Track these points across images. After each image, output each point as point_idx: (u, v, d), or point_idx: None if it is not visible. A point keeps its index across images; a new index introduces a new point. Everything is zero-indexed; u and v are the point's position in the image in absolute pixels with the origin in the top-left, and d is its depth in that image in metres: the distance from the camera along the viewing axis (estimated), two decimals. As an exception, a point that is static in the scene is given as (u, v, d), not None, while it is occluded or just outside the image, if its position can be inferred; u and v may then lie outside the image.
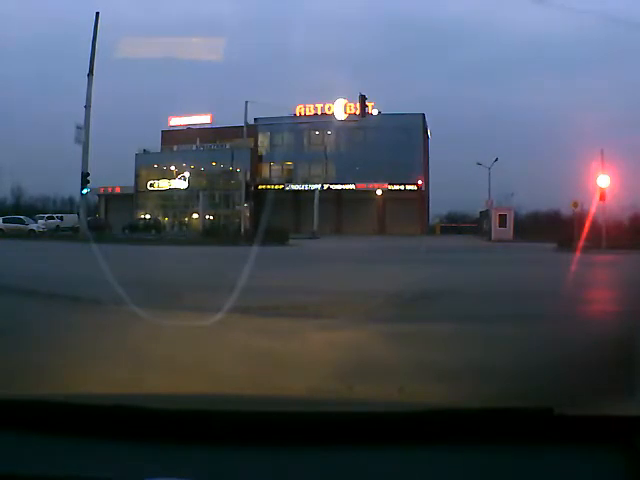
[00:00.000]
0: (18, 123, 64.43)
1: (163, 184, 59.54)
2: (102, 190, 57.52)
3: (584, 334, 5.77)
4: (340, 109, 39.19)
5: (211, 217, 55.07)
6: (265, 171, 60.10)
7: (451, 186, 57.08)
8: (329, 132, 55.97)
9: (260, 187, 53.91)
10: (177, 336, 5.45)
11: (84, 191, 31.09)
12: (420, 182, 55.52)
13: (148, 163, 60.46)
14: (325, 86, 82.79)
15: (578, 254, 18.56)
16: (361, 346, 5.36)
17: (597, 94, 76.81)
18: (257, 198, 46.12)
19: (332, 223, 52.20)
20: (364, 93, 31.36)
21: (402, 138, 53.94)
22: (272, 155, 59.02)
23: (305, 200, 52.89)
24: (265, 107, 46.34)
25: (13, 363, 4.14)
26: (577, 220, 29.46)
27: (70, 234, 36.00)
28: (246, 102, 37.66)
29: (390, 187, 54.62)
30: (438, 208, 63.91)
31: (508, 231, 41.02)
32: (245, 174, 46.96)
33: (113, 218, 53.97)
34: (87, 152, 30.17)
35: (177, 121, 60.03)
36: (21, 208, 54.51)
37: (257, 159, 59.04)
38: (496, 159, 48.90)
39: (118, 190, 60.63)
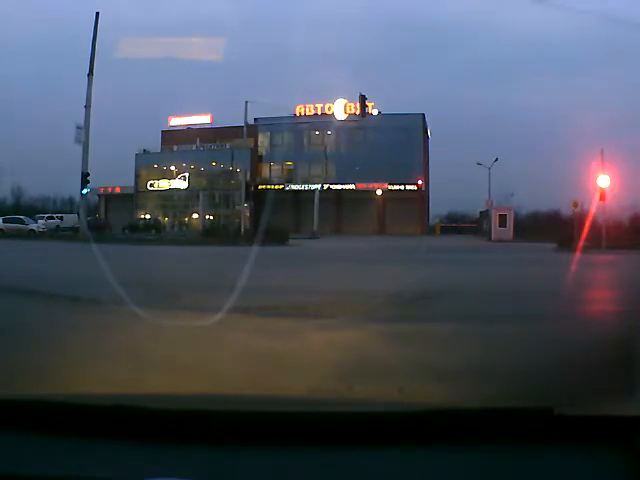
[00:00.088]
0: (18, 123, 64.55)
1: (163, 184, 59.54)
2: (102, 190, 57.53)
3: (584, 334, 5.77)
4: (340, 109, 39.17)
5: (211, 217, 55.08)
6: (265, 171, 60.11)
7: (451, 186, 57.18)
8: (329, 132, 55.97)
9: (260, 187, 53.92)
10: (177, 336, 5.45)
11: (84, 191, 31.09)
12: (420, 182, 55.52)
13: (148, 163, 60.46)
14: (325, 86, 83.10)
15: (578, 254, 18.56)
16: (361, 346, 5.36)
17: (597, 94, 76.91)
18: (257, 198, 46.13)
19: (332, 223, 52.20)
20: (364, 93, 31.39)
21: (402, 138, 53.95)
22: (272, 155, 59.03)
23: (305, 200, 52.89)
24: (265, 107, 46.42)
25: (13, 363, 4.14)
26: (577, 220, 29.45)
27: (70, 234, 36.00)
28: (246, 102, 37.71)
29: (390, 187, 54.62)
30: (438, 208, 64.03)
31: (508, 231, 41.03)
32: (245, 174, 46.96)
33: (113, 218, 53.97)
34: (87, 152, 30.19)
35: (177, 121, 60.04)
36: (21, 208, 54.50)
37: (257, 159, 59.05)
38: (496, 159, 48.98)
39: (118, 190, 60.63)
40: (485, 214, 46.72)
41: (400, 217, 53.78)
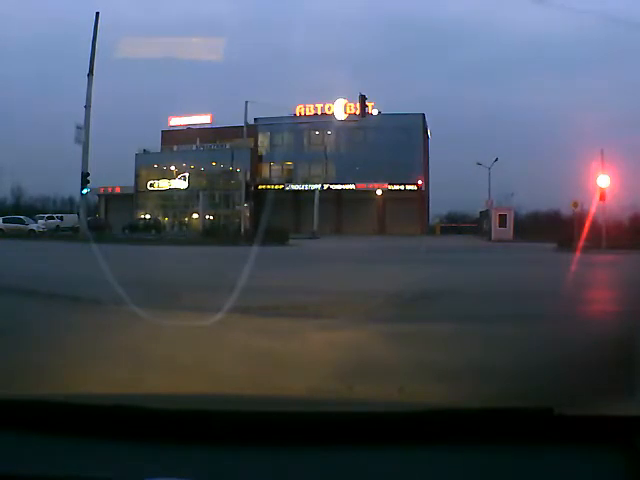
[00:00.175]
0: (18, 123, 64.54)
1: (163, 184, 59.55)
2: (102, 190, 57.53)
3: (584, 334, 5.77)
4: (340, 109, 39.18)
5: (211, 217, 55.09)
6: (265, 171, 60.11)
7: (451, 186, 57.18)
8: (329, 132, 55.97)
9: (260, 187, 53.92)
10: (177, 336, 5.45)
11: (84, 191, 31.09)
12: (420, 182, 55.52)
13: (148, 163, 60.46)
14: (325, 86, 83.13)
15: (578, 254, 18.56)
16: (361, 346, 5.36)
17: (597, 94, 76.91)
18: (257, 198, 46.13)
19: (332, 223, 52.21)
20: (364, 93, 31.39)
21: (402, 138, 53.95)
22: (272, 155, 59.03)
23: (305, 200, 52.90)
24: (265, 107, 46.42)
25: (13, 363, 4.14)
26: (577, 220, 29.45)
27: (70, 234, 36.00)
28: (246, 102, 37.72)
29: (390, 187, 54.63)
30: (438, 208, 64.02)
31: (508, 231, 41.03)
32: (245, 174, 46.97)
33: (113, 218, 53.97)
34: (87, 152, 30.20)
35: (177, 121, 60.04)
36: (21, 208, 54.50)
37: (257, 159, 59.05)
38: (496, 159, 48.98)
39: (118, 190, 60.64)
40: (485, 214, 46.72)
41: (400, 217, 53.78)
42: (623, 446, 1.32)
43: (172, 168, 58.95)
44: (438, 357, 4.70)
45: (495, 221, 42.12)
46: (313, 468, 1.30)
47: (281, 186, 56.32)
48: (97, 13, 30.68)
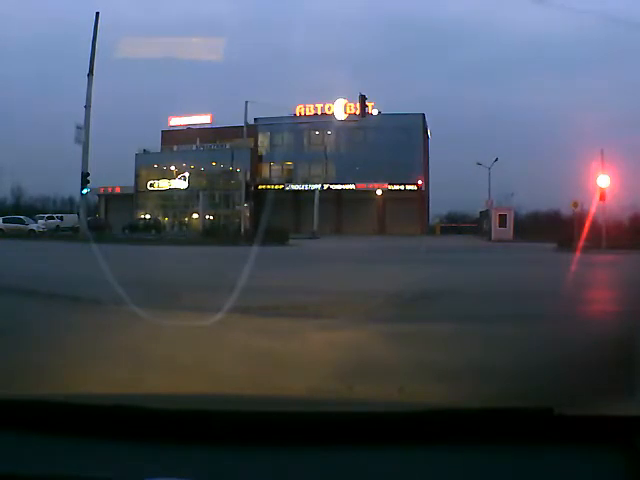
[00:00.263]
0: (18, 123, 64.54)
1: (163, 184, 59.55)
2: (102, 190, 57.53)
3: (584, 334, 5.77)
4: (340, 109, 39.19)
5: (211, 217, 55.08)
6: (265, 171, 60.10)
7: (451, 186, 57.17)
8: (329, 132, 55.97)
9: (260, 187, 53.92)
10: (177, 336, 5.45)
11: (84, 191, 31.10)
12: (420, 182, 55.52)
13: (148, 163, 60.46)
14: (325, 86, 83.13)
15: (578, 254, 18.56)
16: (361, 346, 5.36)
17: (597, 94, 76.92)
18: (257, 198, 46.13)
19: (332, 223, 52.21)
20: (364, 93, 31.41)
21: (402, 138, 53.94)
22: (272, 155, 59.03)
23: (305, 200, 52.90)
24: (265, 107, 46.43)
25: (13, 363, 4.14)
26: (577, 220, 29.45)
27: (70, 234, 36.00)
28: (246, 102, 37.72)
29: (390, 187, 54.63)
30: (438, 208, 64.02)
31: (508, 231, 41.03)
32: (245, 174, 46.97)
33: (113, 218, 53.97)
34: (87, 152, 30.20)
35: (177, 121, 60.04)
36: (21, 208, 54.50)
37: (257, 159, 59.04)
38: (496, 159, 48.98)
39: (118, 190, 60.63)
40: (485, 214, 46.72)
41: (400, 217, 53.77)
42: (623, 446, 1.32)
43: (172, 168, 58.94)
44: (438, 357, 4.70)
45: (495, 221, 42.12)
46: (313, 468, 1.30)
47: (281, 186, 56.32)
48: (97, 13, 30.73)
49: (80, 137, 30.20)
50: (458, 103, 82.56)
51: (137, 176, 60.35)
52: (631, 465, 1.27)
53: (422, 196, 57.07)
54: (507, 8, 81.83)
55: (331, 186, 55.17)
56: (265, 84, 68.72)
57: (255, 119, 53.94)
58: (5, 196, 62.71)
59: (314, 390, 3.69)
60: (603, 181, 30.66)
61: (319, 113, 55.68)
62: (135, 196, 59.78)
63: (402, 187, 54.90)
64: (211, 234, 35.21)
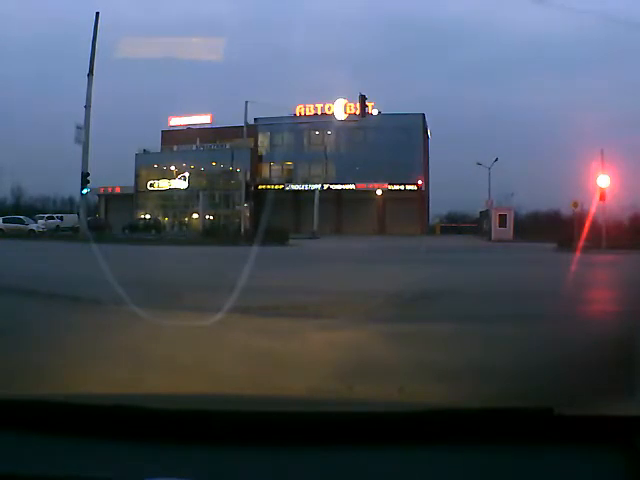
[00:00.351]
0: (18, 123, 64.54)
1: (163, 184, 59.54)
2: (102, 190, 57.53)
3: (584, 334, 5.77)
4: (340, 109, 39.20)
5: (211, 217, 55.08)
6: (265, 171, 60.10)
7: (451, 186, 57.17)
8: (329, 132, 55.97)
9: (260, 187, 53.92)
10: (177, 336, 5.45)
11: (84, 191, 31.10)
12: (420, 182, 55.52)
13: (148, 163, 60.46)
14: (325, 86, 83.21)
15: (578, 254, 18.56)
16: (361, 346, 5.36)
17: (597, 94, 76.95)
18: (257, 198, 46.13)
19: (332, 223, 52.20)
20: (364, 93, 31.41)
21: (402, 138, 53.94)
22: (272, 155, 59.03)
23: (305, 200, 52.89)
24: (265, 107, 46.44)
25: (13, 363, 4.14)
26: (577, 220, 29.45)
27: (70, 234, 36.00)
28: (246, 102, 37.72)
29: (390, 187, 54.62)
30: (438, 208, 64.04)
31: (508, 231, 41.03)
32: (245, 174, 46.97)
33: (113, 218, 53.97)
34: (87, 152, 30.20)
35: (177, 121, 60.04)
36: (21, 208, 54.51)
37: (257, 159, 59.04)
38: (496, 159, 48.98)
39: (118, 190, 60.64)
40: (485, 214, 46.72)
41: (400, 217, 53.77)
42: (623, 446, 1.32)
43: (172, 168, 58.94)
44: (438, 357, 4.70)
45: (495, 221, 42.12)
46: (313, 468, 1.30)
47: (281, 186, 56.31)
48: (97, 13, 30.74)
49: (80, 137, 30.20)
50: (458, 103, 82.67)
51: (137, 176, 60.34)
52: (631, 465, 1.27)
53: (422, 196, 57.06)
54: (507, 8, 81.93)
55: (331, 186, 55.16)
56: (265, 84, 68.84)
57: (255, 119, 53.95)
58: (5, 196, 62.83)
59: (314, 390, 3.69)
60: (603, 181, 30.67)
61: (319, 113, 55.68)
62: (135, 196, 59.78)
63: (402, 187, 54.90)
64: (211, 234, 35.21)
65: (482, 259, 20.89)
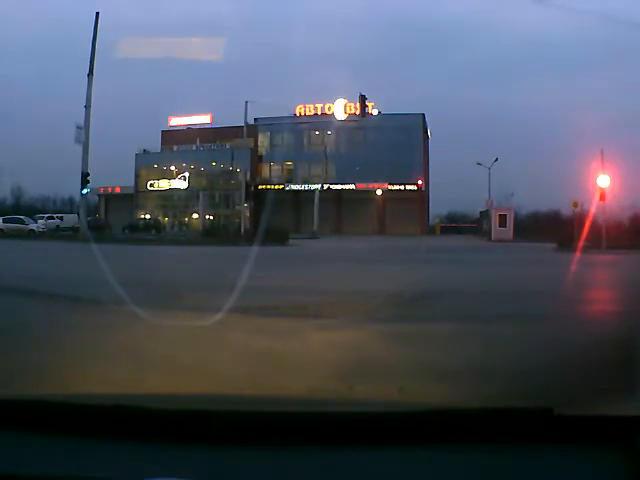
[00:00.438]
0: (18, 123, 64.55)
1: (163, 184, 59.54)
2: (102, 190, 57.53)
3: (584, 334, 5.77)
4: (340, 109, 39.19)
5: (211, 217, 55.08)
6: (265, 171, 60.10)
7: (451, 186, 57.17)
8: (329, 132, 55.96)
9: (260, 187, 53.91)
10: (177, 336, 5.45)
11: (84, 191, 31.10)
12: (420, 182, 55.52)
13: (148, 163, 60.46)
14: (325, 86, 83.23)
15: (578, 254, 18.56)
16: (361, 346, 5.36)
17: (597, 94, 76.95)
18: (257, 198, 46.13)
19: (332, 223, 52.20)
20: (364, 93, 31.40)
21: (402, 138, 53.94)
22: (272, 155, 59.02)
23: (305, 200, 52.89)
24: (265, 107, 46.44)
25: (13, 363, 4.14)
26: (577, 220, 29.45)
27: (70, 234, 36.00)
28: (246, 102, 37.72)
29: (390, 187, 54.62)
30: (438, 208, 64.04)
31: (508, 231, 41.03)
32: (245, 174, 46.97)
33: (113, 218, 53.97)
34: (87, 152, 30.20)
35: (177, 121, 60.04)
36: (21, 208, 54.50)
37: (257, 159, 59.04)
38: (496, 159, 48.99)
39: (118, 190, 60.63)
40: (485, 214, 46.72)
41: (400, 217, 53.77)
42: (623, 446, 1.32)
43: (172, 168, 58.94)
44: (438, 357, 4.70)
45: (495, 221, 42.12)
46: (313, 468, 1.30)
47: (281, 186, 56.31)
48: (97, 13, 30.73)
49: (80, 137, 30.20)
50: (458, 103, 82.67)
51: (137, 176, 60.34)
52: (631, 465, 1.27)
53: (422, 196, 57.06)
54: (507, 8, 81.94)
55: (331, 186, 55.15)
56: (265, 84, 68.84)
57: (255, 119, 53.95)
58: (5, 196, 62.81)
59: (314, 390, 3.69)
60: (603, 181, 30.67)
61: (319, 113, 55.68)
62: (135, 196, 59.77)
63: (402, 187, 54.90)
64: (211, 234, 35.21)
65: (482, 259, 20.89)
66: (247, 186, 44.59)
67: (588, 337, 5.56)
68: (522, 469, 1.29)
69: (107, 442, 1.36)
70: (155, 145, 61.20)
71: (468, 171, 79.27)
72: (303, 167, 58.81)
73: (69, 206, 58.56)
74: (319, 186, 52.21)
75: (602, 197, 30.28)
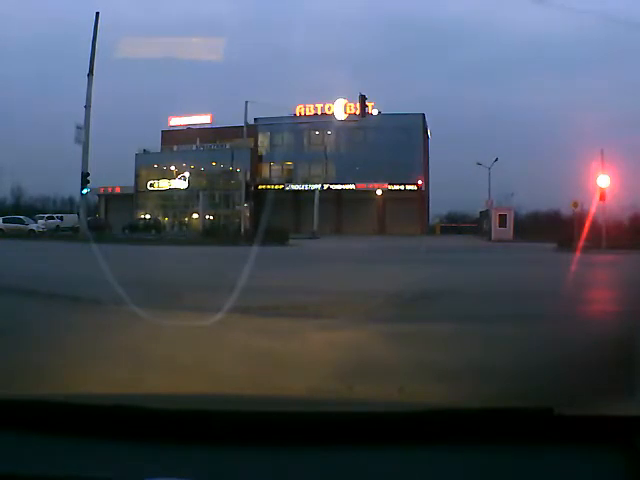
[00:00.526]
0: (18, 123, 64.55)
1: (163, 184, 59.54)
2: (102, 190, 57.52)
3: (584, 334, 5.77)
4: (340, 109, 39.19)
5: (211, 217, 55.07)
6: (265, 171, 60.10)
7: (451, 186, 57.18)
8: (329, 132, 55.96)
9: (260, 187, 53.91)
10: (177, 336, 5.45)
11: (84, 191, 31.10)
12: (420, 182, 55.52)
13: (148, 163, 60.46)
14: (325, 86, 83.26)
15: (578, 254, 18.56)
16: (361, 346, 5.36)
17: (597, 94, 76.97)
18: (257, 198, 46.13)
19: (332, 223, 52.20)
20: (364, 93, 31.40)
21: (402, 138, 53.94)
22: (272, 155, 59.03)
23: (305, 200, 52.89)
24: (265, 107, 46.44)
25: (13, 363, 4.14)
26: (577, 220, 29.45)
27: (70, 234, 35.99)
28: (246, 102, 37.72)
29: (390, 187, 54.62)
30: (438, 208, 64.04)
31: (508, 231, 41.03)
32: (245, 174, 46.96)
33: (113, 218, 53.96)
34: (87, 152, 30.20)
35: (177, 121, 60.04)
36: (21, 208, 54.50)
37: (257, 159, 59.04)
38: (496, 159, 48.99)
39: (118, 190, 60.63)
40: (485, 214, 46.72)
41: (400, 217, 53.77)
42: (623, 446, 1.32)
43: (172, 168, 58.94)
44: (438, 357, 4.70)
45: (495, 221, 42.12)
46: (313, 468, 1.30)
47: (281, 186, 56.31)
48: (97, 13, 30.73)
49: (80, 137, 30.20)
50: (458, 103, 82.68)
51: (137, 176, 60.34)
52: (631, 465, 1.27)
53: (422, 196, 57.06)
54: (507, 8, 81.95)
55: (331, 186, 55.15)
56: (265, 84, 68.85)
57: (255, 119, 53.95)
58: (5, 196, 62.82)
59: (314, 390, 3.69)
60: (603, 181, 30.67)
61: (319, 113, 55.67)
62: (135, 196, 59.77)
63: (402, 187, 54.90)
64: (211, 234, 35.20)
65: (482, 259, 20.89)
66: (247, 186, 44.60)
67: (588, 337, 5.56)
68: (522, 469, 1.29)
69: (107, 442, 1.36)
70: (155, 145, 61.28)
71: (468, 171, 79.38)
72: (303, 167, 58.81)
73: (69, 206, 58.59)
74: (319, 186, 52.21)
75: (602, 197, 30.28)
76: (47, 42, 79.49)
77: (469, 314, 7.17)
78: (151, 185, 59.87)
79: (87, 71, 30.40)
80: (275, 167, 59.94)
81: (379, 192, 55.20)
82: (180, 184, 58.72)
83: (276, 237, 26.86)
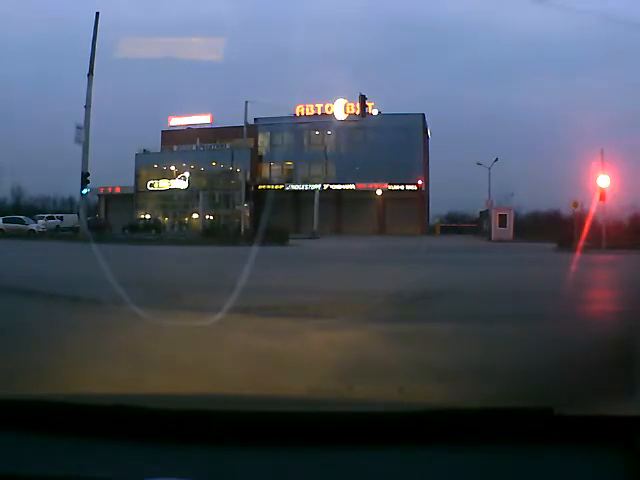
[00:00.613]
0: (18, 123, 64.54)
1: (163, 184, 59.54)
2: (102, 190, 57.53)
3: (584, 334, 5.77)
4: (340, 109, 39.19)
5: (211, 217, 55.07)
6: (265, 171, 60.10)
7: (451, 186, 57.18)
8: (329, 132, 55.96)
9: (260, 187, 53.91)
10: (177, 336, 5.45)
11: (84, 191, 31.10)
12: (420, 182, 55.52)
13: (148, 163, 60.46)
14: (325, 86, 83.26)
15: (578, 254, 18.56)
16: (361, 346, 5.36)
17: (597, 94, 76.97)
18: (257, 198, 46.13)
19: (332, 223, 52.20)
20: (364, 93, 31.40)
21: (402, 138, 53.94)
22: (272, 155, 59.02)
23: (305, 200, 52.90)
24: (265, 107, 46.45)
25: (13, 363, 4.14)
26: (577, 220, 29.45)
27: (70, 234, 35.99)
28: (246, 102, 37.72)
29: (390, 187, 54.62)
30: (438, 208, 64.04)
31: (508, 231, 41.03)
32: (245, 174, 46.96)
33: (113, 218, 53.97)
34: (87, 152, 30.20)
35: (177, 121, 60.04)
36: (21, 208, 54.50)
37: (257, 159, 59.04)
38: (496, 159, 48.99)
39: (118, 190, 60.64)
40: (485, 214, 46.72)
41: (400, 217, 53.77)
42: (623, 446, 1.32)
43: (172, 168, 58.94)
44: (438, 357, 4.70)
45: (495, 221, 42.12)
46: (313, 468, 1.30)
47: (281, 186, 56.31)
48: (97, 13, 30.74)
49: (80, 137, 30.20)
50: (458, 103, 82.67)
51: (137, 176, 60.34)
52: (631, 465, 1.27)
53: (422, 196, 57.06)
54: (507, 8, 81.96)
55: (331, 186, 55.15)
56: (265, 84, 68.85)
57: (255, 119, 53.95)
58: (5, 196, 62.82)
59: (314, 390, 3.69)
60: (603, 181, 30.67)
61: (319, 113, 55.67)
62: (135, 196, 59.78)
63: (402, 187, 54.90)
64: (211, 234, 35.20)
65: (482, 259, 20.89)
66: (247, 186, 44.59)
67: (588, 337, 5.56)
68: (522, 469, 1.29)
69: (107, 442, 1.36)
70: (155, 145, 61.28)
71: (468, 171, 79.38)
72: (303, 167, 58.81)
73: (69, 206, 58.59)
74: (319, 186, 52.20)
75: (602, 197, 30.28)
76: (47, 42, 79.61)
77: (469, 314, 7.17)
78: (151, 185, 59.87)
79: (87, 71, 30.42)
80: (275, 167, 59.94)
81: (379, 192, 55.21)
82: (180, 184, 58.72)
83: (276, 237, 26.85)
